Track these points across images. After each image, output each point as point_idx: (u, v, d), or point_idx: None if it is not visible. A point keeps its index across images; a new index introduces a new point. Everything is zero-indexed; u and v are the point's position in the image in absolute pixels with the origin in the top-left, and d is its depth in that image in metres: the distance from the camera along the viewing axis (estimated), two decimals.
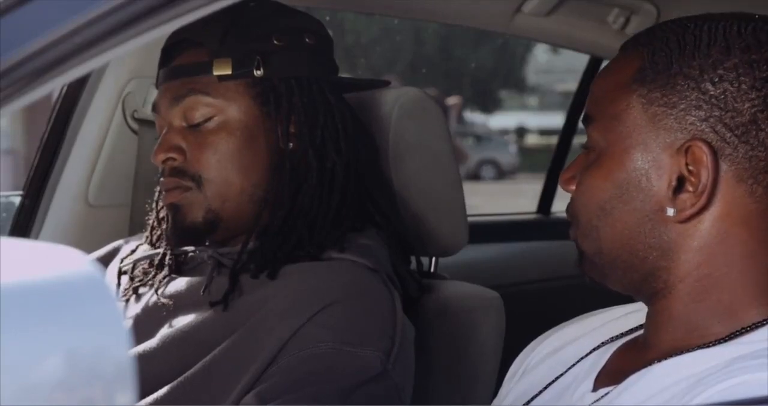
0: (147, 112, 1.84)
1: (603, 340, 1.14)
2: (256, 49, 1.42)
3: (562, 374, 1.14)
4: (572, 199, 1.09)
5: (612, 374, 1.08)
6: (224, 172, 1.41)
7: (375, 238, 1.46)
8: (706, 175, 1.00)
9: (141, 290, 1.49)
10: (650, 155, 1.02)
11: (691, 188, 1.01)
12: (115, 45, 0.81)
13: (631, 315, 1.16)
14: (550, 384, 1.14)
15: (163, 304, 1.43)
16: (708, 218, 1.02)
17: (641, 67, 1.03)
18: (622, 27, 2.07)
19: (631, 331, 1.14)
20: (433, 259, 1.67)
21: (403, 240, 1.52)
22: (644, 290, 1.06)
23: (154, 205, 1.53)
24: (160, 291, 1.44)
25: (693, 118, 1.01)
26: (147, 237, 1.53)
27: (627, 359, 1.08)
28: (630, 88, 1.03)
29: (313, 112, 1.44)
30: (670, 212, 1.02)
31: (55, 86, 0.81)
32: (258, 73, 1.42)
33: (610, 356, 1.11)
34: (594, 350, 1.13)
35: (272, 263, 1.39)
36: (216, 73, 1.41)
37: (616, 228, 1.04)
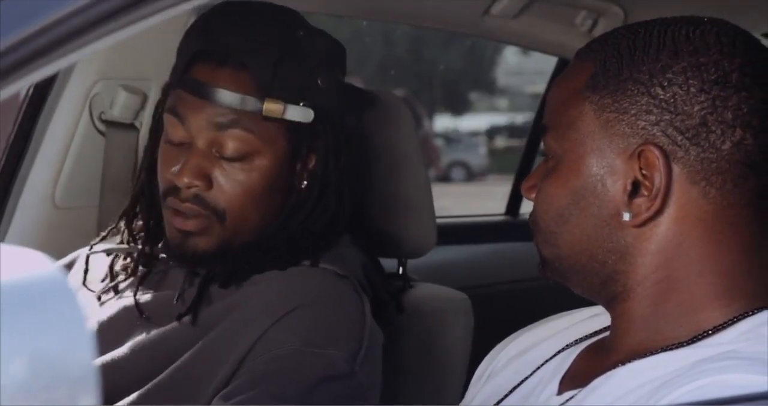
0: (114, 114, 1.83)
1: (568, 342, 1.14)
2: (305, 94, 1.38)
3: (527, 377, 1.14)
4: (534, 206, 1.10)
5: (577, 377, 1.08)
6: (246, 210, 1.39)
7: (349, 244, 1.46)
8: (659, 179, 1.01)
9: (110, 294, 1.48)
10: (605, 161, 1.03)
11: (645, 192, 1.02)
12: (81, 45, 0.80)
13: (596, 318, 1.17)
14: (515, 387, 1.14)
15: (137, 307, 1.42)
16: (664, 222, 1.02)
17: (593, 74, 1.04)
18: (590, 29, 2.08)
19: (596, 333, 1.14)
20: (402, 261, 1.67)
21: (374, 244, 1.52)
22: (604, 294, 1.07)
23: (129, 205, 1.51)
24: (136, 294, 1.43)
25: (644, 123, 1.01)
26: (125, 237, 1.51)
27: (591, 362, 1.08)
28: (582, 96, 1.04)
29: (337, 152, 1.42)
30: (626, 216, 1.02)
31: (21, 87, 0.80)
32: (308, 121, 1.38)
33: (575, 359, 1.11)
34: (559, 352, 1.13)
35: (243, 277, 1.39)
36: (266, 114, 1.36)
37: (575, 234, 1.05)
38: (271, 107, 1.36)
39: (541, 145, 1.14)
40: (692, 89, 1.01)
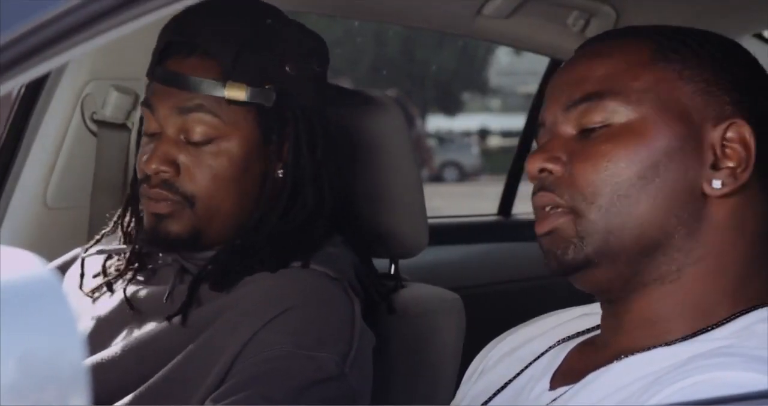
0: (106, 114, 1.83)
1: (558, 339, 1.14)
2: (270, 77, 1.39)
3: (518, 374, 1.14)
4: (587, 176, 1.03)
5: (569, 373, 1.08)
6: (217, 195, 1.39)
7: (340, 245, 1.46)
8: (744, 152, 1.02)
9: (103, 291, 1.48)
10: (691, 127, 1.02)
11: (729, 164, 1.02)
12: (73, 45, 0.80)
13: (587, 317, 1.16)
14: (507, 384, 1.14)
15: (127, 306, 1.42)
16: (735, 199, 1.03)
17: (656, 49, 1.05)
18: (582, 30, 2.08)
19: (587, 331, 1.14)
20: (394, 261, 1.67)
21: (365, 245, 1.52)
22: (636, 280, 1.04)
23: (123, 205, 1.51)
24: (127, 292, 1.43)
25: (729, 98, 1.03)
26: (120, 236, 1.51)
27: (584, 359, 1.08)
28: (657, 65, 1.04)
29: (313, 142, 1.42)
30: (716, 183, 1.02)
31: (12, 87, 0.80)
32: (267, 103, 1.39)
33: (567, 356, 1.11)
34: (550, 349, 1.13)
35: (231, 276, 1.39)
36: (229, 96, 1.38)
37: (656, 198, 1.01)
38: (233, 90, 1.37)
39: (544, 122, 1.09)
40: (759, 77, 1.06)
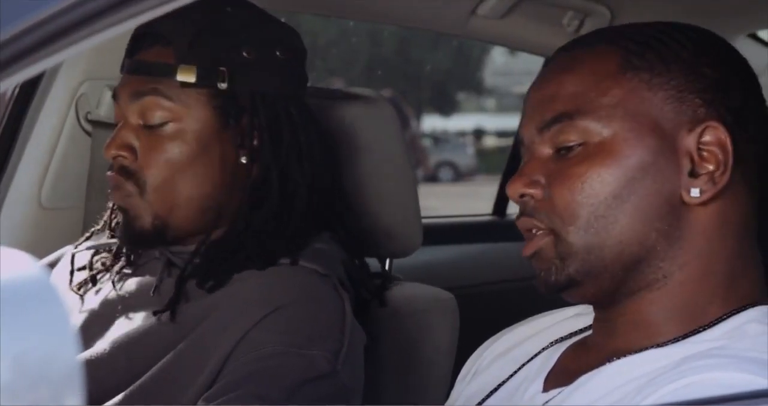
0: (101, 114, 1.82)
1: (551, 340, 1.14)
2: (223, 60, 1.40)
3: (512, 375, 1.14)
4: (554, 198, 1.04)
5: (562, 375, 1.08)
6: (172, 179, 1.40)
7: (329, 241, 1.46)
8: (722, 155, 1.01)
9: (92, 286, 1.48)
10: (664, 137, 1.02)
11: (707, 169, 1.01)
12: (67, 45, 0.80)
13: (579, 317, 1.16)
14: (501, 385, 1.14)
15: (116, 300, 1.42)
16: (716, 203, 1.02)
17: (624, 57, 1.03)
18: (577, 30, 2.09)
19: (581, 331, 1.14)
20: (388, 261, 1.67)
21: (357, 242, 1.52)
22: (623, 290, 1.04)
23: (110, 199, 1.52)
24: (116, 285, 1.43)
25: (701, 101, 1.02)
26: (107, 229, 1.51)
27: (577, 360, 1.08)
28: (623, 77, 1.03)
29: (277, 130, 1.42)
30: (695, 192, 1.01)
31: (6, 87, 0.80)
32: (222, 85, 1.40)
33: (560, 357, 1.11)
34: (543, 350, 1.13)
35: (217, 275, 1.39)
36: (179, 78, 1.39)
37: (633, 216, 1.01)
38: (184, 73, 1.39)
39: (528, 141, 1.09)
40: (733, 72, 1.04)
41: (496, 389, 1.14)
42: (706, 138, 1.01)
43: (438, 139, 14.54)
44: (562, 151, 1.05)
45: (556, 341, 1.14)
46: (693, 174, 1.02)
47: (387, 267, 1.65)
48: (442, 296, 1.59)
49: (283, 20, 1.58)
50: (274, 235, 1.41)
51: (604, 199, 1.02)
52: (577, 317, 1.17)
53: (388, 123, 1.58)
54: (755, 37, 2.36)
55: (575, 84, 1.05)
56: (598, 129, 1.03)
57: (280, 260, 1.40)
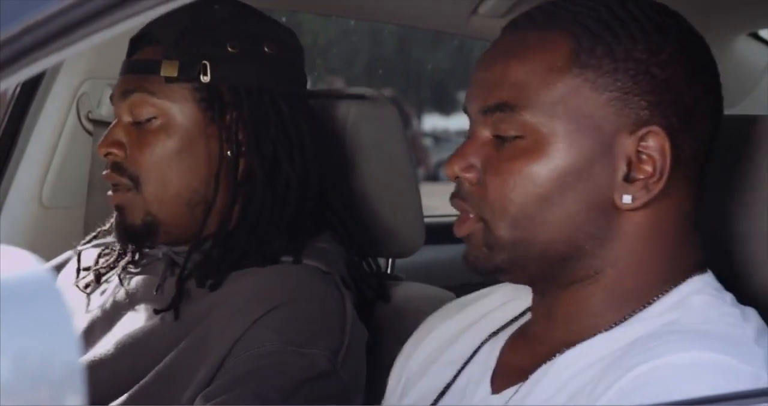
0: (102, 113, 1.82)
1: (483, 337, 1.11)
2: (206, 54, 1.41)
3: (453, 379, 1.10)
4: (487, 187, 1.02)
5: (510, 373, 1.05)
6: (161, 174, 1.41)
7: (330, 240, 1.46)
8: (661, 161, 0.99)
9: (97, 286, 1.48)
10: (602, 140, 0.99)
11: (642, 174, 0.99)
12: (67, 45, 0.80)
13: (508, 304, 1.14)
14: (444, 391, 1.10)
15: (119, 301, 1.42)
16: (651, 205, 1.00)
17: (574, 50, 1.00)
18: None
19: (514, 321, 1.12)
20: (390, 260, 1.67)
21: (359, 242, 1.51)
22: (555, 282, 1.03)
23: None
24: (121, 285, 1.44)
25: (646, 103, 0.99)
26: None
27: (521, 355, 1.06)
28: (570, 72, 1.00)
29: (264, 123, 1.42)
30: (627, 199, 0.99)
31: (7, 86, 0.80)
32: (204, 79, 1.41)
33: (501, 354, 1.08)
34: (479, 348, 1.10)
35: (215, 273, 1.38)
36: (163, 74, 1.41)
37: (560, 217, 1.00)
38: (167, 68, 1.41)
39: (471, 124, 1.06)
40: (686, 72, 1.00)
41: (440, 396, 1.10)
42: (646, 143, 0.99)
43: (439, 138, 14.54)
44: (500, 140, 1.03)
45: (490, 336, 1.11)
46: (628, 179, 1.00)
47: (389, 266, 1.65)
48: (444, 296, 1.59)
49: (283, 20, 1.58)
50: (269, 230, 1.41)
51: (534, 199, 1.00)
52: (505, 306, 1.14)
53: (390, 123, 1.58)
54: (756, 37, 2.36)
55: (520, 72, 1.01)
56: (537, 125, 1.00)
57: (283, 258, 1.40)
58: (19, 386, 0.62)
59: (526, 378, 1.02)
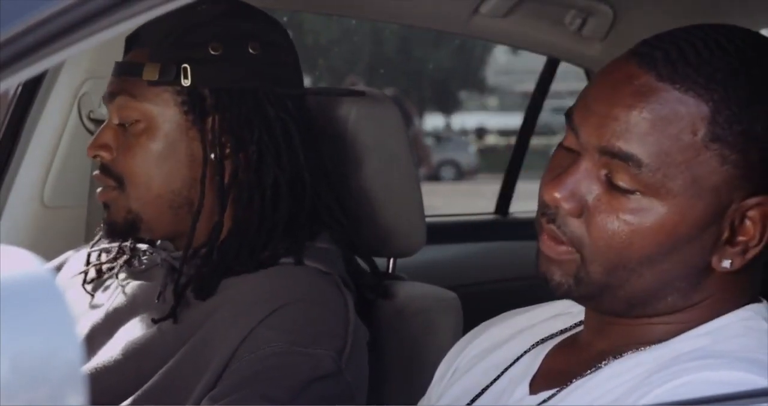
0: (103, 113, 1.82)
1: (533, 342, 1.13)
2: (186, 57, 1.41)
3: (496, 378, 1.13)
4: (592, 226, 1.00)
5: (550, 376, 1.08)
6: (143, 176, 1.42)
7: (329, 241, 1.45)
8: (762, 228, 1.00)
9: (98, 287, 1.48)
10: (718, 210, 0.99)
11: (745, 236, 1.00)
12: (69, 44, 0.80)
13: (560, 317, 1.16)
14: (485, 389, 1.13)
15: (121, 307, 1.42)
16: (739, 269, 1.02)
17: (712, 122, 0.97)
18: (579, 28, 2.09)
19: (562, 332, 1.14)
20: (391, 260, 1.67)
21: (358, 242, 1.51)
22: (622, 315, 1.05)
23: None
24: (121, 291, 1.44)
25: (758, 179, 0.99)
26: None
27: (564, 361, 1.08)
28: (702, 143, 0.97)
29: (247, 125, 1.41)
30: (726, 264, 1.00)
31: (8, 86, 0.80)
32: (185, 82, 1.41)
33: (545, 359, 1.10)
34: (526, 352, 1.13)
35: (210, 281, 1.38)
36: (145, 77, 1.41)
37: (658, 277, 1.01)
38: (149, 71, 1.42)
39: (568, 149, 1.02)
40: None
41: (480, 394, 1.13)
42: (753, 212, 1.00)
43: (440, 137, 14.54)
44: (613, 185, 1.00)
45: (538, 343, 1.13)
46: (729, 242, 1.01)
47: (391, 266, 1.65)
48: (446, 296, 1.59)
49: (284, 20, 1.57)
50: (263, 233, 1.41)
51: (638, 256, 1.00)
52: (556, 318, 1.16)
53: (392, 122, 1.58)
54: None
55: (655, 132, 0.98)
56: (656, 186, 0.98)
57: (282, 259, 1.40)
58: (19, 386, 0.62)
59: (567, 384, 1.04)
